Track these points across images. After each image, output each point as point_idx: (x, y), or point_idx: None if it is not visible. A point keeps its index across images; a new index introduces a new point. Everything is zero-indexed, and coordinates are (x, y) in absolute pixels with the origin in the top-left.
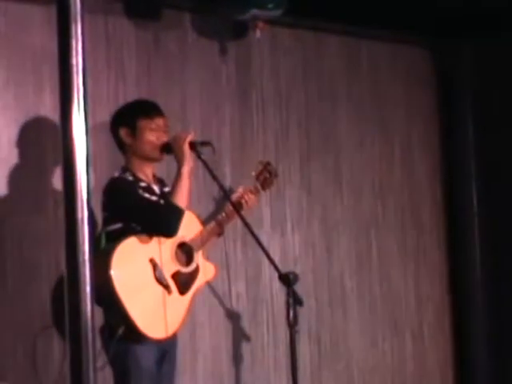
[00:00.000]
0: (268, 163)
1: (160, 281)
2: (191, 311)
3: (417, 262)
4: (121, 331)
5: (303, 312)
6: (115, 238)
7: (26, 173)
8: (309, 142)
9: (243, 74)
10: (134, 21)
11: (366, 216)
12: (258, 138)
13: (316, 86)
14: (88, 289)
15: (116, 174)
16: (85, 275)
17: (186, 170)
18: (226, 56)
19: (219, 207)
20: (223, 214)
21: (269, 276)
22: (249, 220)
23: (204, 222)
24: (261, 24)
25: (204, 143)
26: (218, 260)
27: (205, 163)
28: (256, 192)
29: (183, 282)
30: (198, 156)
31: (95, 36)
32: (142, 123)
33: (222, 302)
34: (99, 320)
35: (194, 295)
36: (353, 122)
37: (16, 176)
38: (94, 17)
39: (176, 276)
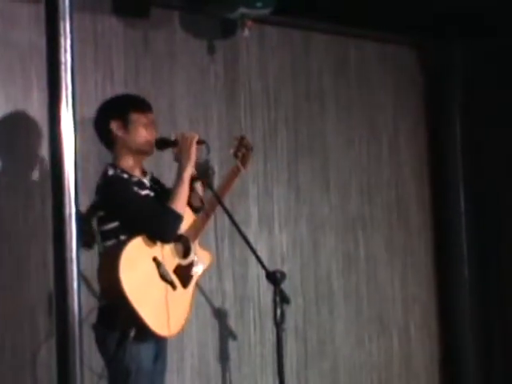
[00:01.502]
0: (242, 137)
1: (165, 278)
2: None
3: (404, 261)
4: (133, 333)
5: (290, 310)
6: (111, 237)
7: (13, 169)
8: (297, 141)
9: (231, 72)
10: (122, 19)
11: (354, 215)
12: (246, 136)
13: (304, 85)
14: (75, 285)
15: (110, 172)
16: (72, 271)
17: (188, 173)
18: (214, 55)
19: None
20: (209, 203)
21: (256, 274)
22: (236, 218)
23: (196, 211)
24: (249, 23)
25: (200, 141)
26: None
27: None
28: (238, 171)
29: (185, 275)
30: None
31: (83, 34)
32: (135, 117)
33: (209, 300)
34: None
35: (196, 286)
36: (341, 121)
37: (4, 173)
38: (82, 15)
39: (178, 270)
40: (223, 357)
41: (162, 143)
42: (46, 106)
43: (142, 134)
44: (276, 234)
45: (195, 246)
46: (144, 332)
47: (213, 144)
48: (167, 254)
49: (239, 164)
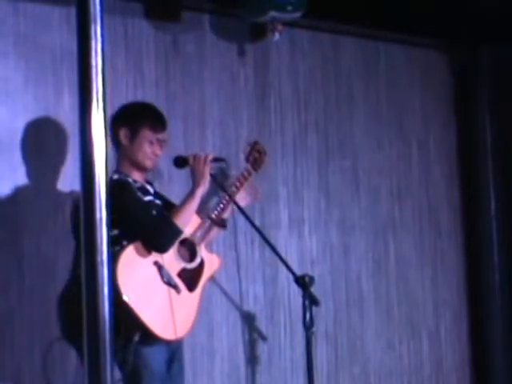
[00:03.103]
0: (255, 142)
1: (167, 282)
2: (208, 312)
3: (434, 264)
4: (137, 338)
5: (320, 314)
6: (115, 244)
7: (44, 173)
8: (327, 144)
9: (261, 76)
10: (152, 22)
11: (384, 218)
12: (276, 139)
13: (334, 88)
14: (106, 289)
15: (115, 176)
16: (102, 275)
17: (200, 192)
18: (245, 58)
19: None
20: (220, 206)
21: (286, 277)
22: (266, 222)
23: (202, 215)
24: (279, 26)
25: (218, 159)
26: (235, 261)
27: (214, 179)
28: (248, 175)
29: (190, 279)
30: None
31: (114, 37)
32: (145, 133)
33: (239, 304)
34: None
35: (203, 289)
36: (370, 123)
37: (34, 175)
38: (113, 18)
39: (182, 274)
40: (253, 360)
41: (180, 162)
42: (76, 109)
43: (145, 150)
44: (306, 238)
45: (202, 250)
46: (151, 336)
47: (242, 147)
48: (170, 257)
49: (250, 167)
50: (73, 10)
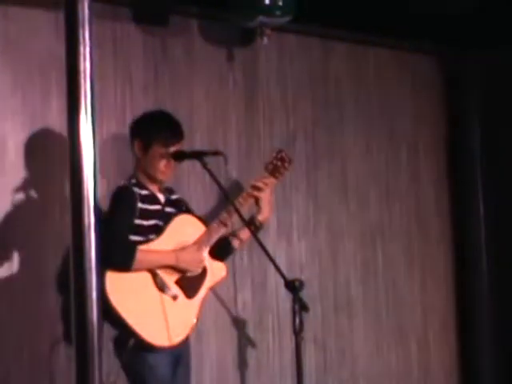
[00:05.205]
0: (279, 150)
1: (162, 289)
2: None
3: (423, 269)
4: (131, 343)
5: (309, 319)
6: None
7: (33, 178)
8: (315, 149)
9: (250, 80)
10: (141, 27)
11: (372, 223)
12: (265, 144)
13: (322, 92)
14: (94, 295)
15: (122, 182)
16: (91, 281)
17: (173, 264)
18: (233, 62)
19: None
20: (225, 214)
21: (275, 283)
22: None
23: (207, 222)
24: (268, 31)
25: (216, 153)
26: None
27: (210, 173)
28: (265, 179)
29: (190, 286)
30: (204, 166)
31: (102, 42)
32: (157, 148)
33: (228, 309)
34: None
35: (205, 297)
36: (359, 128)
37: (23, 181)
38: (101, 23)
39: (181, 281)
40: (242, 365)
41: (180, 156)
42: (65, 114)
43: (157, 165)
44: (295, 243)
45: (205, 258)
46: (144, 342)
47: (231, 151)
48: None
49: (267, 175)
50: (61, 15)
